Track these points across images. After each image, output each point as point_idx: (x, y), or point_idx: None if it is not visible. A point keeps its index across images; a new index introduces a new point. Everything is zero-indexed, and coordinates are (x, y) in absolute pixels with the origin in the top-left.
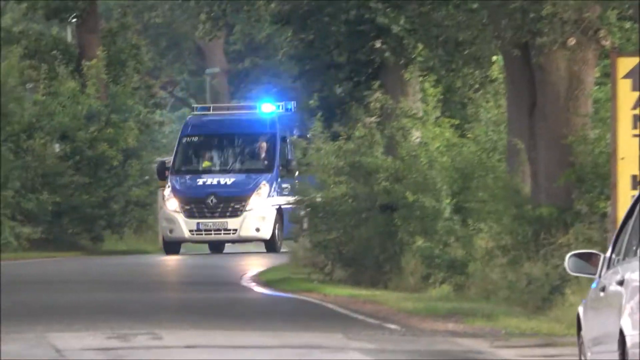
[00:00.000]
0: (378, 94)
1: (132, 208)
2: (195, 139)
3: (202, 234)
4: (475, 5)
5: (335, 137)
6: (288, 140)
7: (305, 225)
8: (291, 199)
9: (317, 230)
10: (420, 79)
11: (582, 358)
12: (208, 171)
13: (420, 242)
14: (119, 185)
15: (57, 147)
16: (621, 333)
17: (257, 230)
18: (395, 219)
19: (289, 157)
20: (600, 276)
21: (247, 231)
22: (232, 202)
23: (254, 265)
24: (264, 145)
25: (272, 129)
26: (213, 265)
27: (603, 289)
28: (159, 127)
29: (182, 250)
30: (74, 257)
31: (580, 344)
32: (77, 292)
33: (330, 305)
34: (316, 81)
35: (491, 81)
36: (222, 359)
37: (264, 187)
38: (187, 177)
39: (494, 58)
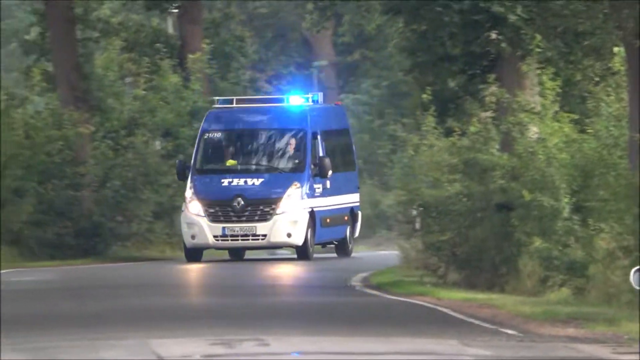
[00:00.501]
0: (493, 88)
1: None
2: (218, 134)
3: (227, 240)
4: None
5: (448, 133)
6: (319, 136)
7: (417, 226)
8: (323, 200)
9: (429, 231)
10: (538, 71)
11: None
12: (233, 171)
13: (538, 243)
14: None
15: (158, 145)
16: None
17: (289, 235)
18: (511, 218)
19: (321, 154)
20: None
21: (277, 237)
22: (261, 205)
23: (361, 267)
24: (294, 141)
25: (302, 123)
26: (319, 269)
27: None
28: None
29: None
30: (174, 258)
31: None
32: (178, 297)
33: (444, 310)
34: (429, 74)
35: (612, 74)
36: None
37: (296, 189)
38: (211, 177)
39: (616, 49)
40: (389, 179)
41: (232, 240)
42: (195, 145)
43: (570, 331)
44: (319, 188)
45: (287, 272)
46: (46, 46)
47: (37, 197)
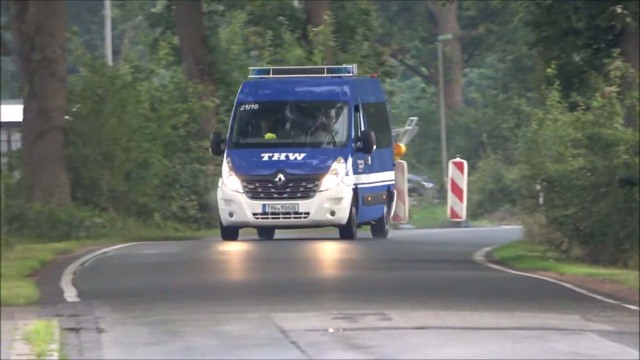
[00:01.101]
0: (618, 62)
1: None
2: (256, 106)
3: (268, 218)
4: None
5: (572, 107)
6: (360, 109)
7: (540, 200)
8: (365, 177)
9: (553, 205)
10: None
11: None
12: (273, 144)
13: None
14: None
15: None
16: None
17: (332, 214)
18: (635, 193)
19: (362, 128)
20: None
21: (320, 215)
22: (303, 182)
23: (484, 241)
24: (337, 114)
25: (344, 95)
26: (440, 242)
27: None
28: (389, 97)
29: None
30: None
31: None
32: (302, 271)
33: (567, 285)
34: (553, 49)
35: None
36: (454, 341)
37: (340, 164)
38: (249, 151)
39: None
40: (513, 153)
41: (272, 218)
42: (231, 118)
43: None
44: (361, 164)
45: (407, 246)
46: (172, 19)
47: (163, 170)
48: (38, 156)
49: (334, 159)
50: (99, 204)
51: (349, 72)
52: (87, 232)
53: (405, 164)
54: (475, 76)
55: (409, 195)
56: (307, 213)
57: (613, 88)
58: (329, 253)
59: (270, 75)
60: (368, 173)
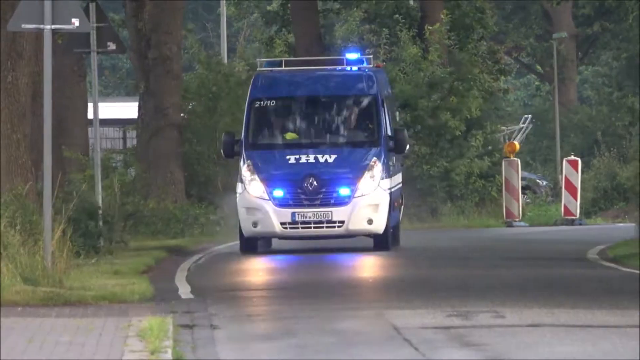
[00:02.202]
0: None
1: (474, 180)
2: (272, 103)
3: (297, 228)
4: None
5: None
6: (385, 104)
7: None
8: (393, 180)
9: None
10: None
11: None
12: (297, 145)
13: None
14: (461, 157)
15: (397, 116)
16: None
17: (370, 222)
18: None
19: (389, 124)
20: None
21: (357, 224)
22: (337, 186)
23: (599, 239)
24: (365, 109)
25: (371, 88)
26: (553, 240)
27: None
28: (503, 95)
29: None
30: (412, 229)
31: None
32: (415, 268)
33: None
34: None
35: None
36: (567, 339)
37: (376, 166)
38: (271, 153)
39: None
40: (627, 151)
41: (302, 228)
42: (245, 116)
43: None
44: (392, 165)
45: (521, 244)
46: (287, 17)
47: None
48: (153, 153)
49: (369, 160)
50: (213, 201)
51: (368, 63)
52: (201, 229)
53: (518, 161)
54: (590, 74)
55: (523, 193)
56: (342, 222)
57: None
58: (440, 251)
59: (283, 68)
60: (393, 175)
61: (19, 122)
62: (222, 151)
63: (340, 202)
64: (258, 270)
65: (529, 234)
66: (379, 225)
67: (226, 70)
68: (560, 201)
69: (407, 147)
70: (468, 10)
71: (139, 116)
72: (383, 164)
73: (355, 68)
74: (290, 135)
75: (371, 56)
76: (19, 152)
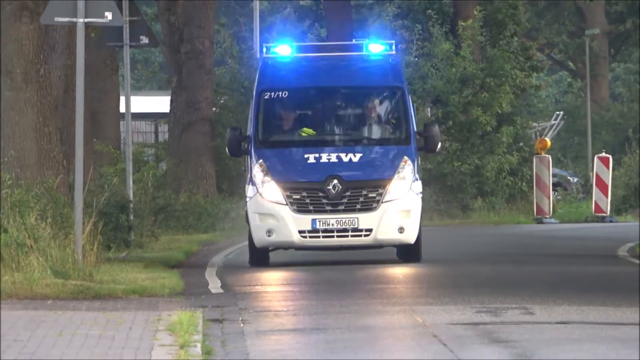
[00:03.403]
0: None
1: (504, 176)
2: (285, 94)
3: (319, 237)
4: None
5: None
6: (410, 97)
7: None
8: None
9: None
10: None
11: None
12: (316, 143)
13: None
14: (492, 153)
15: (428, 112)
16: None
17: (401, 230)
18: None
19: (414, 120)
20: None
21: (386, 232)
22: (364, 189)
23: (628, 236)
24: (392, 102)
25: (397, 78)
26: (584, 237)
27: None
28: (535, 91)
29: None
30: (442, 226)
31: None
32: (445, 264)
33: None
34: None
35: None
36: (596, 336)
37: (407, 167)
38: (287, 151)
39: None
40: None
41: (324, 237)
42: (253, 108)
43: None
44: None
45: (551, 240)
46: (320, 12)
47: None
48: (185, 148)
49: (400, 159)
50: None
51: (392, 50)
52: (232, 223)
53: (549, 158)
54: (622, 71)
55: (554, 190)
56: (370, 230)
57: None
58: (470, 247)
59: (294, 55)
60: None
61: (50, 115)
62: (227, 149)
63: (368, 207)
64: (286, 265)
65: (560, 230)
66: (411, 234)
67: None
68: (591, 198)
69: (439, 144)
70: (501, 6)
71: (170, 110)
72: (414, 164)
73: (377, 55)
74: (306, 132)
75: (394, 41)
76: (51, 145)
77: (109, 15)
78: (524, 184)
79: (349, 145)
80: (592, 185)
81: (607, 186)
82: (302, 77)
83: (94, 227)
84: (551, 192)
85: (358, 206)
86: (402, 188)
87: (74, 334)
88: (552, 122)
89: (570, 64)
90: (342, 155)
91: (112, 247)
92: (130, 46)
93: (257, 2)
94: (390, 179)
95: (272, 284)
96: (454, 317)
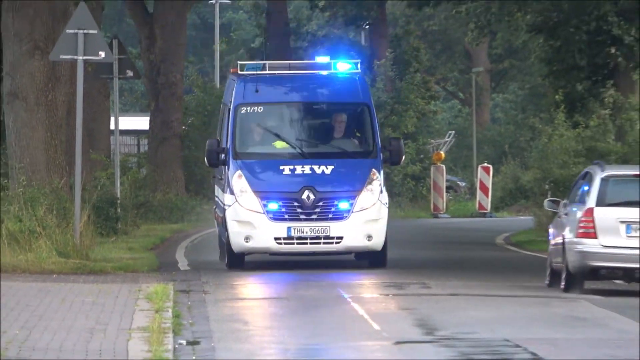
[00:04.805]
0: (611, 91)
1: (408, 181)
2: (260, 109)
3: (293, 243)
4: None
5: (575, 125)
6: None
7: (548, 197)
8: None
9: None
10: None
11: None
12: (291, 155)
13: None
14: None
15: None
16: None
17: (369, 238)
18: None
19: (376, 135)
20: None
21: (355, 240)
22: (335, 200)
23: (505, 228)
24: (359, 118)
25: (364, 95)
26: (469, 228)
27: (559, 218)
28: (433, 115)
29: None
30: None
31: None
32: None
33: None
34: (561, 79)
35: None
36: (478, 305)
37: (376, 179)
38: (263, 163)
39: None
40: (528, 160)
41: (298, 243)
42: (229, 122)
43: None
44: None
45: (445, 231)
46: (267, 52)
47: None
48: (160, 157)
49: (368, 172)
50: (207, 195)
51: (358, 69)
52: (197, 216)
53: (444, 167)
54: (500, 100)
55: (447, 192)
56: (340, 237)
57: (607, 111)
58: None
59: (267, 72)
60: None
61: (56, 131)
62: (206, 159)
63: (339, 216)
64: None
65: (451, 223)
66: (378, 241)
67: (218, 93)
68: (476, 198)
69: (403, 157)
70: (407, 49)
71: (150, 128)
72: (381, 175)
73: (344, 73)
74: (280, 144)
75: (359, 60)
76: (56, 155)
77: (102, 54)
78: (424, 188)
79: (321, 158)
80: (476, 188)
81: (488, 189)
82: (276, 93)
83: (89, 218)
84: (445, 194)
85: (330, 215)
86: (371, 199)
87: (73, 301)
88: (446, 139)
89: (460, 94)
90: (315, 167)
91: (104, 234)
92: (119, 78)
93: (218, 44)
94: (360, 190)
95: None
96: (369, 290)
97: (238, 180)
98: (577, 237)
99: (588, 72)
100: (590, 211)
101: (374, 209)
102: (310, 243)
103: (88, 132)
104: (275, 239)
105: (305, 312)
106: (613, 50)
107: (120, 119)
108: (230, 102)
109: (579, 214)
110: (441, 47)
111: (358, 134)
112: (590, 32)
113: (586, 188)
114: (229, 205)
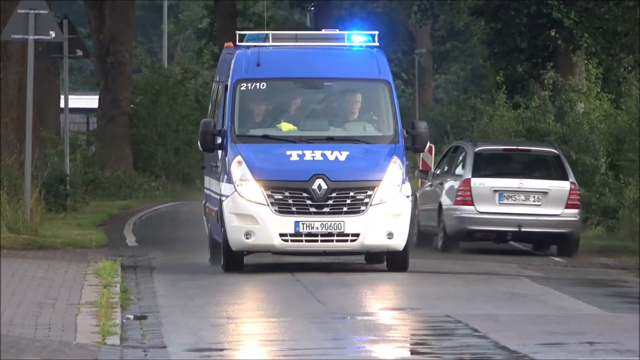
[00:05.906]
0: (551, 73)
1: None
2: (263, 85)
3: (301, 241)
4: (631, 4)
5: (516, 106)
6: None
7: None
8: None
9: None
10: (585, 61)
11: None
12: (299, 139)
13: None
14: None
15: None
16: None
17: (390, 236)
18: None
19: (398, 117)
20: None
21: (374, 237)
22: (351, 191)
23: None
24: (377, 97)
25: (383, 71)
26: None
27: (430, 186)
28: None
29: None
30: None
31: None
32: None
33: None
34: (502, 61)
35: None
36: (420, 282)
37: (396, 167)
38: (267, 147)
39: None
40: None
41: (307, 241)
42: (227, 100)
43: (603, 260)
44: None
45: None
46: (214, 33)
47: None
48: (109, 135)
49: (389, 159)
50: (154, 172)
51: (375, 42)
52: (145, 193)
53: None
54: (443, 81)
55: None
56: (356, 234)
57: (547, 92)
58: None
59: (270, 43)
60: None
61: (7, 109)
62: (199, 143)
63: (355, 210)
64: (188, 224)
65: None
66: (400, 240)
67: (166, 73)
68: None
69: (427, 143)
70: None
71: (99, 106)
72: (403, 164)
73: (360, 46)
74: (286, 126)
75: (377, 32)
76: (7, 132)
77: (52, 34)
78: None
79: (334, 142)
80: (419, 167)
81: (430, 168)
82: (281, 67)
83: (39, 195)
84: None
85: (345, 209)
86: (392, 190)
87: (23, 276)
88: None
89: (404, 75)
90: (328, 153)
91: (53, 210)
92: (69, 57)
93: (166, 24)
94: (379, 180)
95: (176, 239)
96: (299, 259)
97: (237, 167)
98: (455, 204)
99: (528, 54)
100: (467, 181)
101: (396, 202)
102: (322, 241)
103: (38, 110)
104: (281, 235)
105: (255, 286)
106: (553, 33)
107: (70, 97)
108: (228, 78)
109: (457, 184)
110: (385, 29)
111: (375, 117)
112: (531, 15)
113: (460, 160)
114: (227, 196)
